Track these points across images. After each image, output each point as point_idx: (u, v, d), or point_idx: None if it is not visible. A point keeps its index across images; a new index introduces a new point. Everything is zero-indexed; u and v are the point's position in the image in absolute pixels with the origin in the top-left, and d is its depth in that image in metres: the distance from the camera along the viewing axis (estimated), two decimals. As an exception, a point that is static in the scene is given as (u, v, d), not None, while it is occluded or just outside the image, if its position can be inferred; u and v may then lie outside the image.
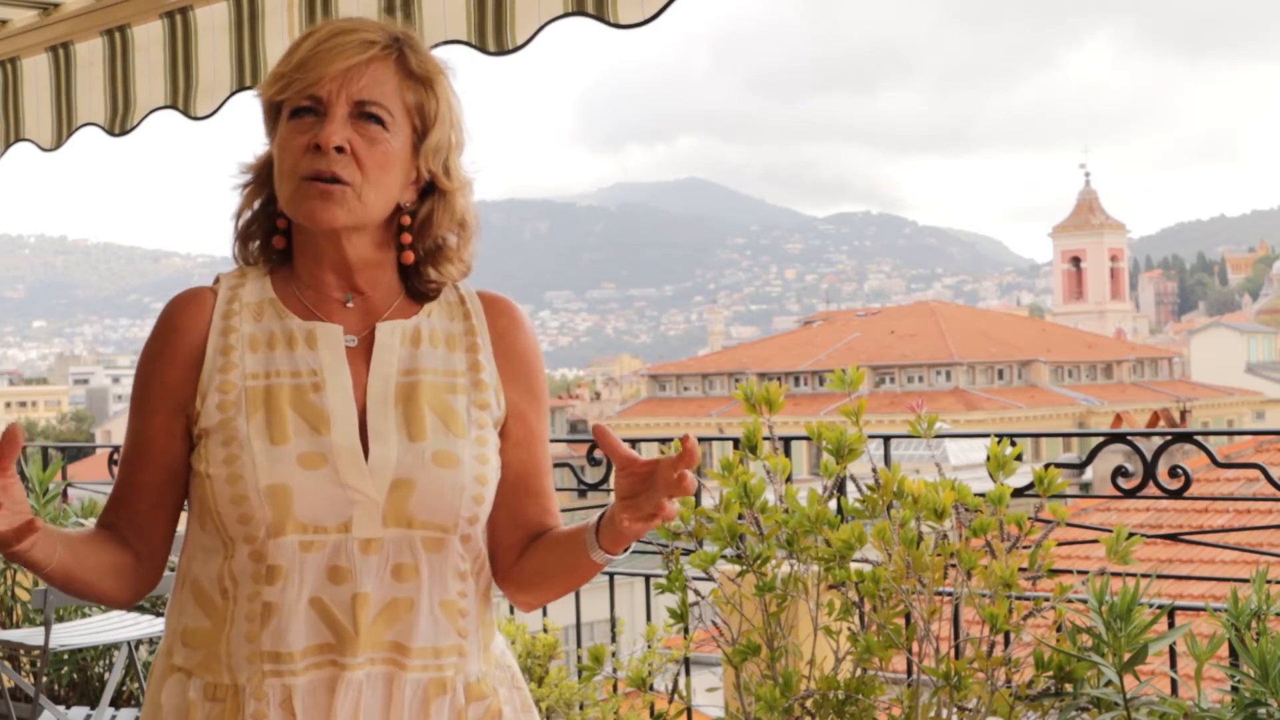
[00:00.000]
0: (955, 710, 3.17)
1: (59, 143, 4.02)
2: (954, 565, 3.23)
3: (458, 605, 1.72)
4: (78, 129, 3.96)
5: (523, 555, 1.82)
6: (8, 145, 4.22)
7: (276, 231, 1.78)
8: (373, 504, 1.67)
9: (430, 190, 1.78)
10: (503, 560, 1.83)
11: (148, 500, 1.76)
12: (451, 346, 1.77)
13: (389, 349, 1.74)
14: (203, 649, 1.69)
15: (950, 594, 3.27)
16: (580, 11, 2.76)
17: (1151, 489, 3.56)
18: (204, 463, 1.69)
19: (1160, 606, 3.19)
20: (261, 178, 1.78)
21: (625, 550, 1.72)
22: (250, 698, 1.65)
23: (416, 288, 1.79)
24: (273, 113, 1.75)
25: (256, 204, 1.79)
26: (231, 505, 1.66)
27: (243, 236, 1.80)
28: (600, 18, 2.73)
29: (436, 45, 3.04)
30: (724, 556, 3.49)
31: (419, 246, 1.77)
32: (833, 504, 3.42)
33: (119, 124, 3.79)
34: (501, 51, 2.91)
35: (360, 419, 1.70)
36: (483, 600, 1.78)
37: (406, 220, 1.76)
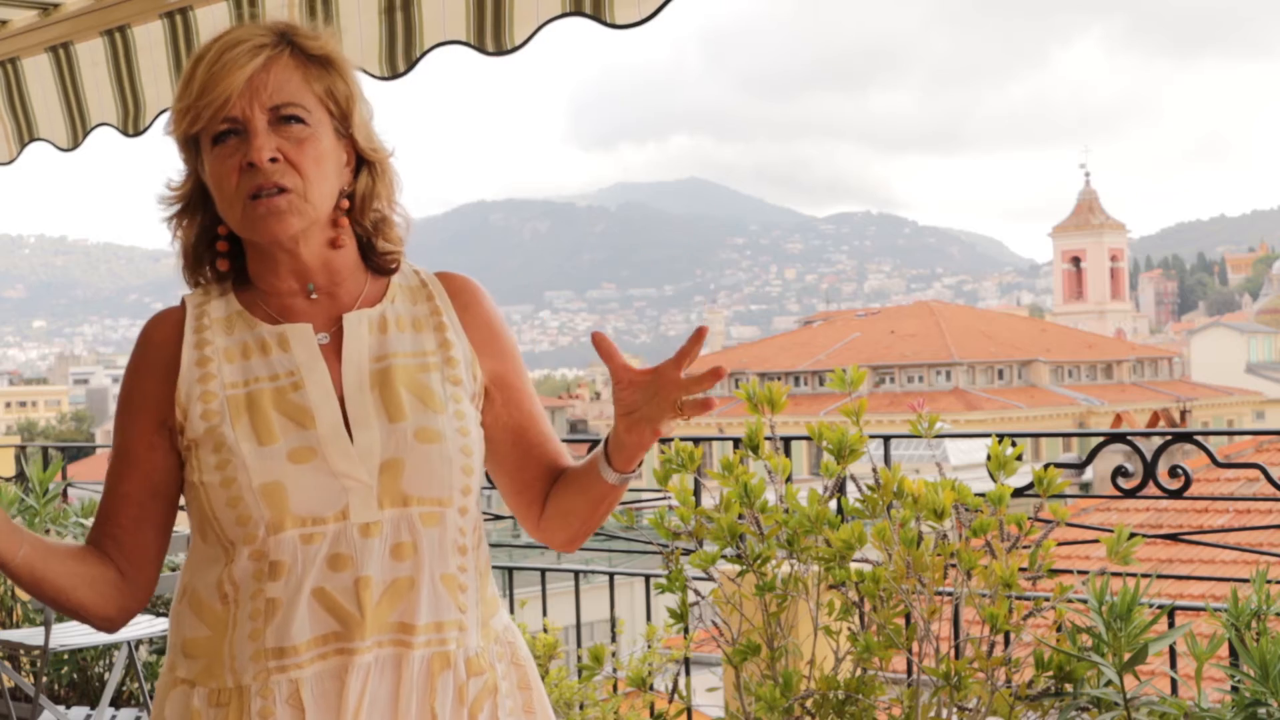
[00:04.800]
0: (955, 710, 3.17)
1: (76, 143, 4.02)
2: (954, 565, 3.23)
3: (457, 580, 1.73)
4: (93, 129, 3.96)
5: (547, 502, 1.86)
6: (23, 145, 4.21)
7: (219, 255, 1.79)
8: (366, 488, 1.68)
9: (359, 167, 1.79)
10: (530, 514, 1.87)
11: (130, 513, 1.76)
12: (419, 328, 1.80)
13: (358, 338, 1.76)
14: (204, 657, 1.70)
15: (950, 594, 3.27)
16: (577, 11, 2.77)
17: (1151, 489, 3.56)
18: (197, 473, 1.71)
19: (1160, 606, 3.19)
20: (191, 204, 1.79)
21: (637, 467, 1.74)
22: (256, 696, 1.65)
23: (376, 264, 1.82)
24: (190, 145, 1.75)
25: (194, 231, 1.80)
26: (228, 508, 1.68)
27: (191, 265, 1.81)
28: (597, 18, 2.74)
29: (436, 46, 3.04)
30: (724, 556, 3.49)
31: (365, 221, 1.79)
32: (833, 504, 3.42)
33: (132, 124, 3.79)
34: (500, 51, 2.92)
35: (341, 410, 1.72)
36: (482, 576, 1.80)
37: (345, 204, 1.78)
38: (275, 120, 1.70)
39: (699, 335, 1.65)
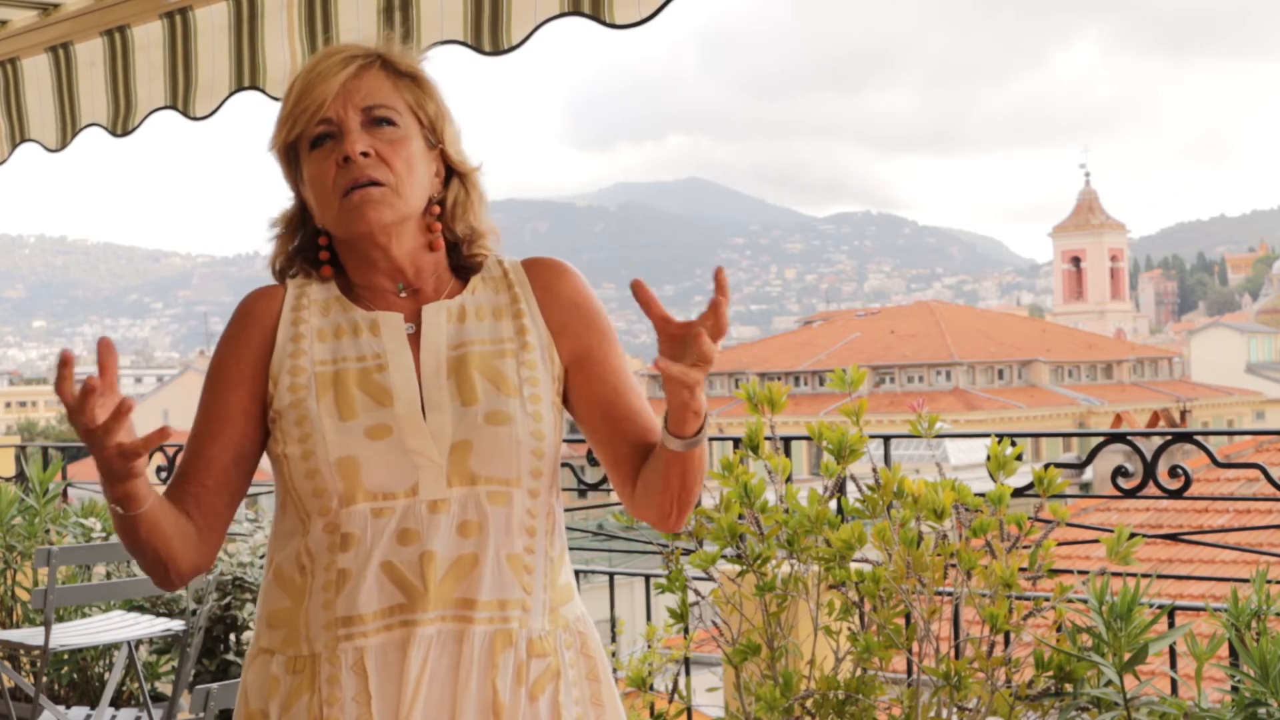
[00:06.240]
0: (955, 710, 3.17)
1: (64, 143, 4.02)
2: (954, 565, 3.23)
3: (523, 560, 1.78)
4: (82, 129, 3.96)
5: (638, 479, 1.86)
6: (14, 146, 4.21)
7: (320, 264, 1.89)
8: (436, 466, 1.75)
9: (449, 178, 1.90)
10: (626, 490, 1.88)
11: (214, 476, 1.83)
12: (498, 316, 1.86)
13: (436, 327, 1.84)
14: (285, 627, 1.78)
15: (950, 594, 3.27)
16: (576, 11, 2.76)
17: (1151, 489, 3.56)
18: (280, 444, 1.80)
19: (1160, 606, 3.19)
20: (291, 226, 1.90)
21: (696, 433, 1.72)
22: (325, 663, 1.73)
23: (462, 264, 1.90)
24: (291, 158, 1.86)
25: (290, 249, 1.90)
26: (306, 480, 1.76)
27: (278, 271, 1.91)
28: (596, 18, 2.73)
29: (433, 45, 3.04)
30: (724, 556, 3.49)
31: (457, 229, 1.88)
32: (833, 504, 3.42)
33: (121, 124, 3.79)
34: (497, 51, 2.91)
35: (420, 394, 1.79)
36: (553, 562, 1.83)
37: (437, 210, 1.87)
38: (368, 122, 1.80)
39: (719, 281, 1.62)
